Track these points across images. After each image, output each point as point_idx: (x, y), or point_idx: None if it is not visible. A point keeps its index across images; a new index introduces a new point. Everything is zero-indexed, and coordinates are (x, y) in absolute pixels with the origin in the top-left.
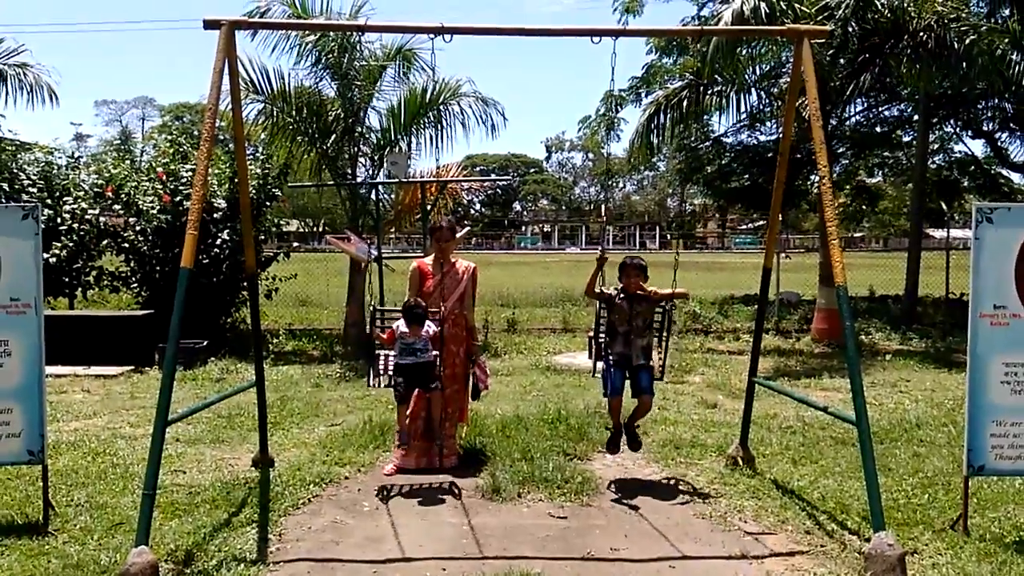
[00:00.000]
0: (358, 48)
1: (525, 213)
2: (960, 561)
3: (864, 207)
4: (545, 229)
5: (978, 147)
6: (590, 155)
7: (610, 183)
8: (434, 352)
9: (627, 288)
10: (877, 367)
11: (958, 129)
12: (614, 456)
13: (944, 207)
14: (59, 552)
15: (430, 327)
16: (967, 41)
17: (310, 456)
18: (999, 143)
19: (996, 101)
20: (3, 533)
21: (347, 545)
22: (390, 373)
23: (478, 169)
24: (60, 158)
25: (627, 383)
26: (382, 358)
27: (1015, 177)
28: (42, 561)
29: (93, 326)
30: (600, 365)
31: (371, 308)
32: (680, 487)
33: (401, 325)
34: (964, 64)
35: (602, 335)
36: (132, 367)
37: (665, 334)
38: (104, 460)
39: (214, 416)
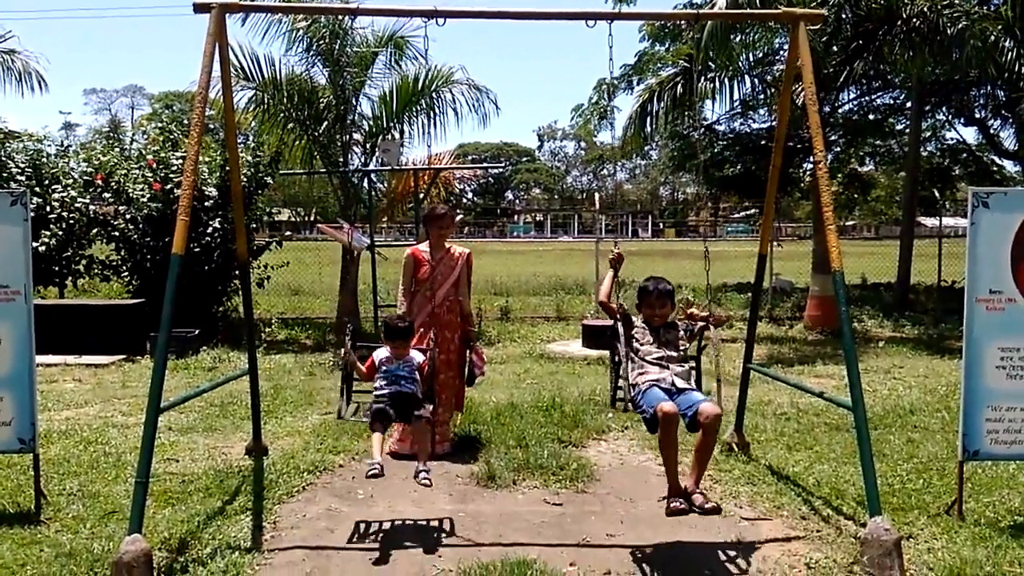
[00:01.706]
0: (350, 34)
1: (517, 202)
2: (955, 545)
3: (856, 195)
4: (538, 218)
5: (970, 135)
6: (582, 144)
7: (603, 171)
8: (421, 388)
9: (649, 320)
10: (870, 354)
11: (950, 117)
12: (608, 443)
13: (937, 195)
14: (52, 541)
15: (417, 356)
16: (960, 27)
17: (304, 444)
18: (991, 130)
19: (988, 88)
20: None
21: (342, 533)
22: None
23: (470, 158)
24: (49, 146)
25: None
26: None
27: (1007, 164)
28: (34, 550)
29: (84, 315)
30: (621, 391)
31: (348, 330)
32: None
33: (382, 352)
34: (957, 51)
35: (619, 357)
36: (123, 356)
37: (714, 365)
38: (96, 449)
39: (207, 405)
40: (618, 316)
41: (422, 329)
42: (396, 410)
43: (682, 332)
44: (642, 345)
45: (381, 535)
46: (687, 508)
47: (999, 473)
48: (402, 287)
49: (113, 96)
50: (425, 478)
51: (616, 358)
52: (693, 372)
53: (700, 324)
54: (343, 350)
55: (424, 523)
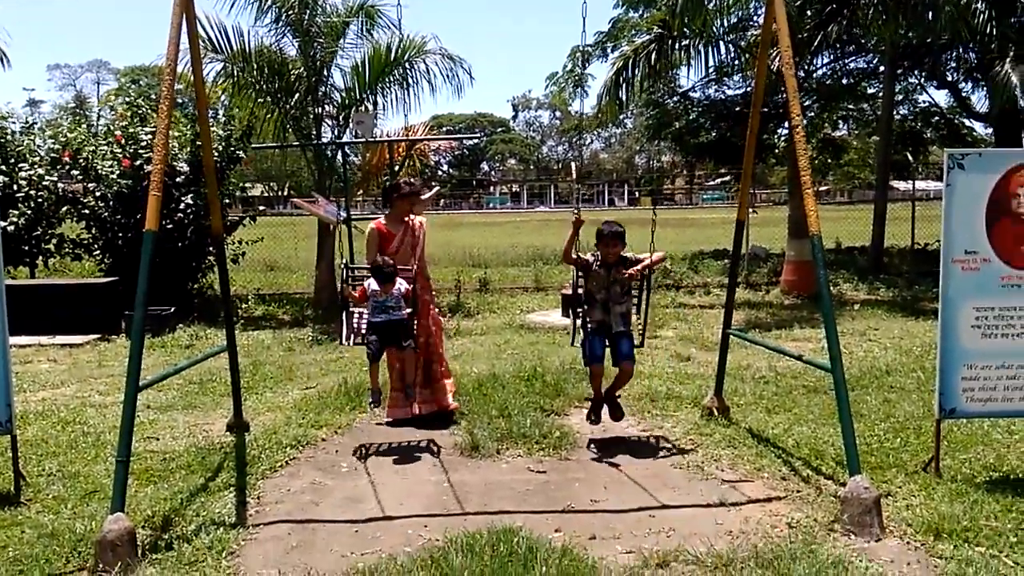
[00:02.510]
0: (320, 3)
1: (493, 173)
2: (933, 502)
3: (829, 160)
4: (514, 189)
5: (941, 98)
6: (557, 113)
7: (579, 141)
8: (407, 310)
9: (605, 257)
10: (846, 317)
11: (922, 80)
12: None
13: (910, 158)
14: (33, 522)
15: (402, 284)
16: None
17: (285, 419)
18: (962, 93)
19: (960, 51)
20: None
21: (327, 506)
22: (363, 332)
23: (445, 129)
24: (14, 123)
25: (607, 351)
26: (355, 316)
27: (978, 127)
28: (15, 531)
29: (56, 295)
30: (579, 334)
31: (341, 266)
32: (657, 439)
33: (372, 283)
34: (930, 14)
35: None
36: (98, 336)
37: (644, 300)
38: (74, 429)
39: (185, 382)
40: (579, 268)
41: None
42: (387, 338)
43: (626, 268)
44: (595, 286)
45: (367, 507)
46: (597, 420)
47: (974, 431)
48: (367, 262)
49: (78, 71)
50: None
51: (578, 298)
52: (633, 310)
53: (636, 273)
54: (341, 285)
55: (409, 494)
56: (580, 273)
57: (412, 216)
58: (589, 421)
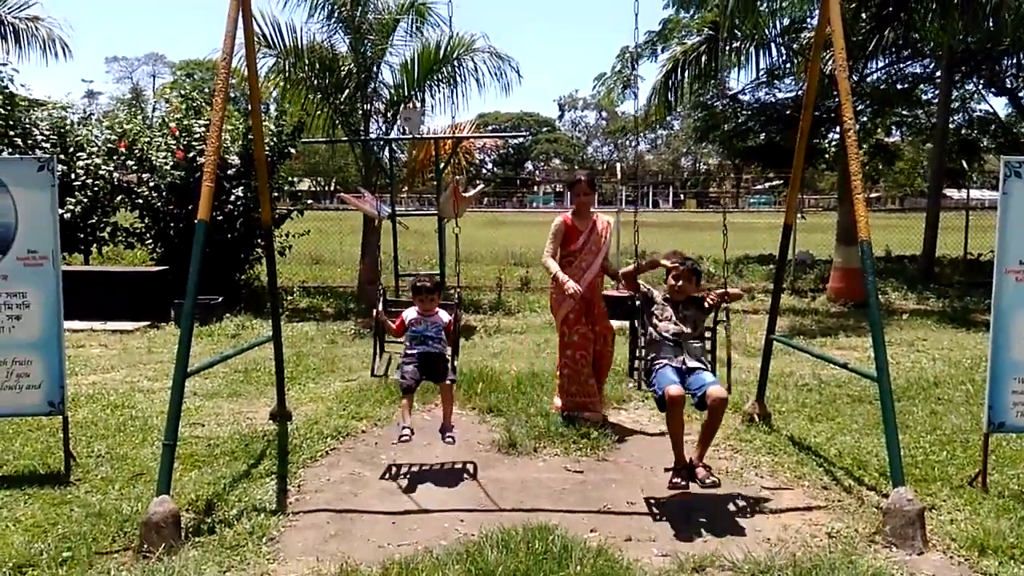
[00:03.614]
0: (371, 1)
1: (537, 172)
2: (979, 517)
3: (881, 167)
4: (557, 188)
5: (1000, 105)
6: (603, 113)
7: (625, 142)
8: (448, 348)
9: (674, 295)
10: (894, 326)
11: (980, 86)
12: (628, 412)
13: (965, 166)
14: (81, 501)
15: (443, 316)
16: None
17: (327, 410)
18: (1022, 100)
19: (1021, 57)
20: (26, 482)
21: (365, 496)
22: (399, 364)
23: (491, 127)
24: (73, 114)
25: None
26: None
27: None
28: (64, 510)
29: (109, 282)
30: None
31: (380, 290)
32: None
33: (411, 312)
34: (990, 19)
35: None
36: (148, 323)
37: (726, 339)
38: (123, 413)
39: (231, 371)
40: (638, 293)
41: (571, 312)
42: (425, 370)
43: (697, 307)
44: (660, 321)
45: (403, 499)
46: (686, 484)
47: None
48: (548, 253)
49: (135, 64)
50: (450, 437)
51: (636, 331)
52: (708, 351)
53: (714, 299)
54: (375, 311)
55: (446, 488)
56: (638, 302)
57: (600, 215)
58: (671, 487)
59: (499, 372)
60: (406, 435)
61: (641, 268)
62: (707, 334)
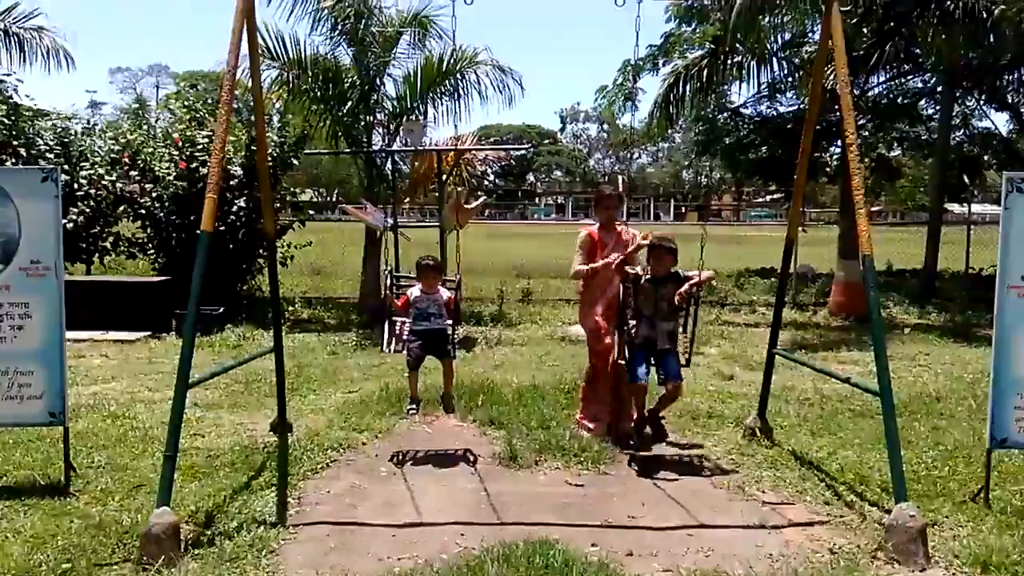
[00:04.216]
0: (374, 14)
1: (539, 184)
2: (981, 533)
3: (884, 181)
4: (559, 200)
5: (1001, 121)
6: (605, 126)
7: (626, 154)
8: (448, 320)
9: (655, 271)
10: (895, 341)
11: (982, 101)
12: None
13: (966, 180)
14: (81, 512)
15: (444, 293)
16: (996, 12)
17: (328, 422)
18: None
19: (1021, 73)
20: (26, 493)
21: (365, 509)
22: (405, 339)
23: (492, 140)
24: (77, 124)
25: (652, 370)
26: (398, 324)
27: None
28: (64, 521)
29: (110, 292)
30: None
31: (386, 272)
32: (697, 457)
33: (415, 290)
34: (992, 34)
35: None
36: (149, 333)
37: (692, 318)
38: (123, 423)
39: (231, 382)
40: (628, 282)
41: (602, 321)
42: (428, 347)
43: (674, 285)
44: (642, 301)
45: (404, 512)
46: (641, 438)
47: None
48: (576, 266)
49: (139, 75)
50: (453, 408)
51: (626, 319)
52: (680, 329)
53: (684, 294)
54: (385, 293)
55: (447, 501)
56: (629, 286)
57: (627, 227)
58: (628, 444)
59: (500, 384)
60: (413, 409)
61: (629, 255)
62: (679, 318)
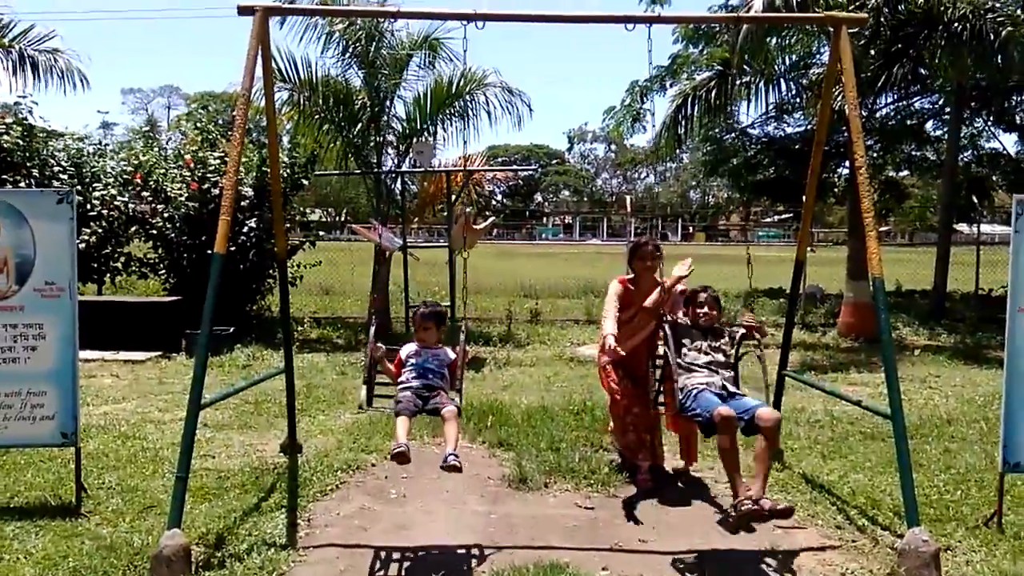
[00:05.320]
0: (385, 37)
1: (546, 204)
2: (995, 558)
3: (890, 199)
4: (567, 220)
5: (1010, 142)
6: (612, 146)
7: (633, 174)
8: (449, 391)
9: (695, 322)
10: (905, 362)
11: (990, 122)
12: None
13: (975, 201)
14: (92, 534)
15: (449, 353)
16: (1003, 33)
17: (337, 443)
18: None
19: None
20: (37, 514)
21: (375, 531)
22: (396, 398)
23: (500, 160)
24: (89, 145)
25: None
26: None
27: None
28: (75, 542)
29: (121, 312)
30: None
31: (372, 320)
32: (707, 480)
33: (408, 347)
34: (999, 56)
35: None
36: (160, 353)
37: (762, 368)
38: (134, 444)
39: (241, 402)
40: (666, 320)
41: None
42: (424, 402)
43: (726, 337)
44: (689, 350)
45: (414, 534)
46: (759, 510)
47: None
48: (606, 316)
49: (150, 96)
50: (454, 460)
51: (665, 362)
52: (739, 378)
53: (743, 331)
54: (368, 341)
55: (456, 524)
56: (667, 328)
57: (656, 279)
58: (741, 515)
59: (509, 406)
60: (401, 448)
61: (661, 298)
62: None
